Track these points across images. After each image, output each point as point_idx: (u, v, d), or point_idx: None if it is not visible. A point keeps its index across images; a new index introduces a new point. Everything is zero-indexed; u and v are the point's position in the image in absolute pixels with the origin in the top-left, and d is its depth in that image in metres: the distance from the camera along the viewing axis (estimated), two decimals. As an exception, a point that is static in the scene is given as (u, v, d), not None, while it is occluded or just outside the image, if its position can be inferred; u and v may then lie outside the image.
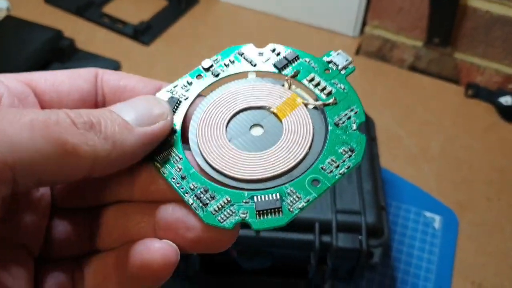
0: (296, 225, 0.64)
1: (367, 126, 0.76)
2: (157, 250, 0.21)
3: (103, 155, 0.20)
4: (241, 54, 0.26)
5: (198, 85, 0.26)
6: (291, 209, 0.22)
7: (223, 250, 0.22)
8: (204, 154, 0.23)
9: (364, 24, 1.04)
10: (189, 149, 0.24)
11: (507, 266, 0.77)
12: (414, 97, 0.99)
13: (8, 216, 0.20)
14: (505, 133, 0.94)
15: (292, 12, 1.10)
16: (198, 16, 1.13)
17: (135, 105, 0.22)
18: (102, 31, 1.07)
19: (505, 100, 0.95)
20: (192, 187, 0.22)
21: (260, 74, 0.26)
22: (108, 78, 0.25)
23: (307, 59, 0.26)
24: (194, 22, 1.12)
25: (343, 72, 0.25)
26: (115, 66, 0.98)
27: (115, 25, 1.08)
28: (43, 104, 0.23)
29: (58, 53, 0.97)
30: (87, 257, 0.24)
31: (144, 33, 1.06)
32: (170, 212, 0.22)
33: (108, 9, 1.12)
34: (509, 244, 0.80)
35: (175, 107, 0.25)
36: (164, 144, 0.23)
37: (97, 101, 0.25)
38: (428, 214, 0.81)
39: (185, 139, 0.24)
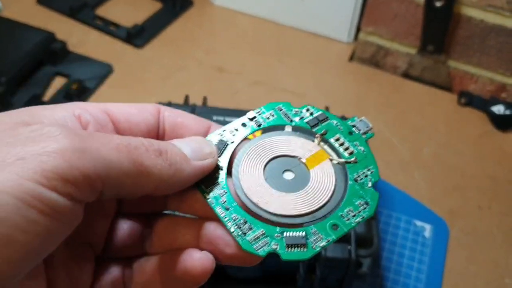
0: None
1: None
2: (197, 260, 0.26)
3: (166, 178, 0.25)
4: (280, 110, 0.31)
5: (243, 132, 0.30)
6: (314, 246, 0.26)
7: (249, 266, 0.26)
8: (244, 188, 0.28)
9: (358, 30, 1.03)
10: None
11: (498, 276, 0.77)
12: (407, 104, 0.99)
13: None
14: (498, 142, 0.94)
15: (287, 17, 1.10)
16: (192, 20, 1.13)
17: (191, 143, 0.27)
18: (95, 33, 1.07)
19: (498, 109, 0.95)
20: (234, 217, 0.27)
21: (295, 129, 0.31)
22: (169, 114, 0.30)
23: (335, 122, 0.31)
24: (188, 26, 1.11)
25: (364, 136, 0.30)
26: (107, 69, 0.98)
27: (108, 27, 1.07)
28: (118, 132, 0.28)
29: (50, 55, 0.97)
30: (137, 258, 0.28)
31: (137, 36, 1.05)
32: (212, 229, 0.27)
33: (102, 11, 1.12)
34: (500, 253, 0.80)
35: (224, 148, 0.29)
36: (212, 179, 0.28)
37: (159, 133, 0.29)
38: (418, 222, 0.81)
39: (229, 174, 0.29)
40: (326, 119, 0.31)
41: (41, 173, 0.20)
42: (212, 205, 0.27)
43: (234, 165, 0.29)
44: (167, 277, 0.26)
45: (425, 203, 0.84)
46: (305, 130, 0.31)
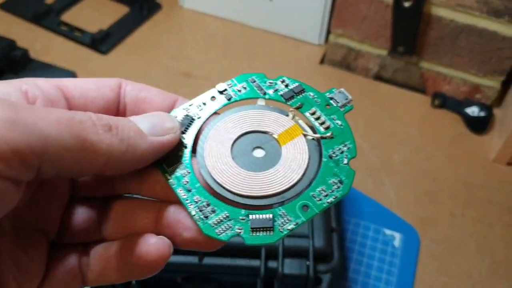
0: (242, 250, 0.61)
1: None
2: (153, 245, 0.24)
3: (117, 155, 0.23)
4: (253, 82, 0.29)
5: (212, 106, 0.28)
6: (281, 230, 0.24)
7: (211, 251, 0.25)
8: (208, 168, 0.26)
9: (328, 32, 1.00)
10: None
11: (469, 286, 0.75)
12: (379, 107, 0.96)
13: (31, 201, 0.23)
14: (472, 145, 0.92)
15: (257, 19, 1.07)
16: (160, 23, 1.10)
17: (150, 118, 0.25)
18: (59, 39, 1.04)
19: (472, 110, 0.93)
20: (196, 199, 0.25)
21: (268, 102, 0.28)
22: (131, 89, 0.27)
23: (312, 94, 0.28)
24: (156, 30, 1.08)
25: (342, 109, 0.28)
26: (70, 76, 0.95)
27: (72, 33, 1.04)
28: (72, 108, 0.26)
29: (11, 63, 0.94)
30: (94, 244, 0.26)
31: (102, 41, 1.02)
32: (172, 213, 0.25)
33: (67, 16, 1.09)
34: (472, 262, 0.77)
35: (189, 124, 0.27)
36: (175, 157, 0.26)
37: (119, 109, 0.27)
38: (388, 231, 0.79)
39: (194, 153, 0.27)
40: (302, 91, 0.28)
41: None
42: (174, 186, 0.25)
43: (199, 142, 0.27)
44: (123, 264, 0.25)
45: (395, 211, 0.81)
46: (279, 104, 0.28)
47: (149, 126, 0.25)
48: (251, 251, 0.61)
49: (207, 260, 0.61)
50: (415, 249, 0.78)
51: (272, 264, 0.61)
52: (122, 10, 1.11)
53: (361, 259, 0.76)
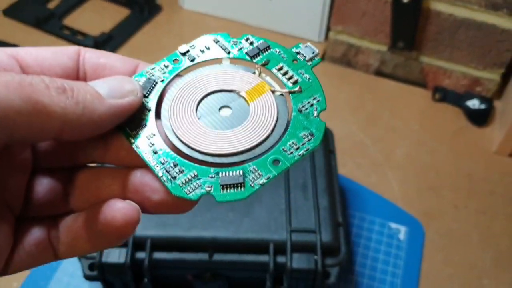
0: (251, 246, 0.62)
1: (325, 138, 0.74)
2: (119, 210, 0.23)
3: (73, 118, 0.22)
4: (217, 42, 0.28)
5: (174, 69, 0.27)
6: (252, 185, 0.24)
7: (183, 213, 0.25)
8: (174, 129, 0.25)
9: (328, 29, 1.01)
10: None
11: (474, 277, 0.76)
12: (380, 103, 0.97)
13: None
14: (473, 137, 0.92)
15: (257, 18, 1.08)
16: (161, 25, 1.11)
17: (109, 82, 0.24)
18: (61, 43, 1.04)
19: (473, 103, 0.94)
20: (162, 161, 0.24)
21: (233, 61, 0.27)
22: (90, 56, 0.26)
23: (278, 50, 0.28)
24: (157, 31, 1.09)
25: (309, 63, 0.27)
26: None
27: (75, 37, 1.05)
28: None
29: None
30: (62, 216, 0.26)
31: (105, 44, 1.03)
32: (138, 177, 0.24)
33: (69, 20, 1.09)
34: (477, 253, 0.78)
35: (152, 87, 0.26)
36: (139, 120, 0.25)
37: (79, 77, 0.26)
38: (393, 225, 0.80)
39: (159, 116, 0.26)
40: (267, 48, 0.28)
41: None
42: (138, 149, 0.25)
43: (163, 104, 0.26)
44: (92, 233, 0.24)
45: (399, 204, 0.82)
46: (244, 62, 0.28)
47: (107, 90, 0.24)
48: (260, 247, 0.62)
49: (217, 257, 0.62)
50: (420, 242, 0.79)
51: (280, 259, 0.62)
52: (123, 12, 1.11)
53: (367, 253, 0.77)
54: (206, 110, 0.26)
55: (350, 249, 0.76)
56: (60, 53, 0.25)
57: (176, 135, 0.25)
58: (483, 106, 0.94)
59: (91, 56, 0.26)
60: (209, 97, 0.26)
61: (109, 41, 1.04)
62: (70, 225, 0.25)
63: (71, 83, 0.22)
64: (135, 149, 0.25)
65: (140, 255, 0.61)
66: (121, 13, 1.11)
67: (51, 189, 0.26)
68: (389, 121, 0.94)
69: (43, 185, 0.26)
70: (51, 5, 1.11)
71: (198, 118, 0.26)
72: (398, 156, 0.89)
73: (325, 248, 0.63)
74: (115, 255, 0.61)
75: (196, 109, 0.26)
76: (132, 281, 0.62)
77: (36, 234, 0.25)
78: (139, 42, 1.06)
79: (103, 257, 0.61)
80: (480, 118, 0.94)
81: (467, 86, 0.96)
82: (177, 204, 0.24)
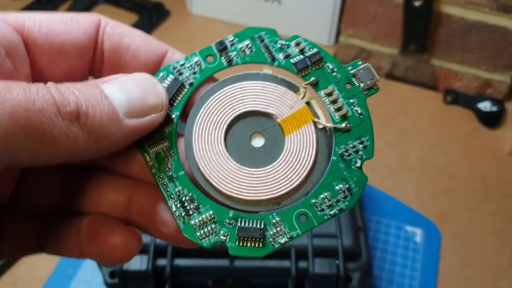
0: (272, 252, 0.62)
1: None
2: (120, 245, 0.21)
3: (83, 148, 0.19)
4: (261, 40, 0.23)
5: (207, 70, 0.23)
6: (272, 243, 0.21)
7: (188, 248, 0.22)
8: (196, 155, 0.22)
9: (338, 33, 1.01)
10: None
11: (492, 279, 0.76)
12: (393, 106, 0.98)
13: None
14: (486, 139, 0.93)
15: (266, 23, 1.08)
16: (170, 30, 1.11)
17: (130, 90, 0.20)
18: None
19: (484, 105, 0.94)
20: (178, 192, 0.21)
21: (276, 70, 0.23)
22: (111, 32, 0.22)
23: (331, 66, 0.23)
24: (165, 36, 1.09)
25: (365, 92, 0.23)
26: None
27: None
28: (33, 59, 0.21)
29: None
30: (55, 215, 0.23)
31: (115, 50, 1.03)
32: (148, 202, 0.22)
33: (77, 26, 1.09)
34: (494, 255, 0.78)
35: (177, 92, 0.23)
36: (158, 135, 0.22)
37: (95, 59, 0.22)
38: (409, 228, 0.80)
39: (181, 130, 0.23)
40: (320, 61, 0.23)
41: None
42: (153, 171, 0.22)
43: (188, 120, 0.22)
44: (85, 247, 0.22)
45: (414, 207, 0.82)
46: (289, 74, 0.23)
47: (127, 104, 0.20)
48: (282, 252, 0.62)
49: (238, 263, 0.62)
50: (436, 244, 0.79)
51: (302, 264, 0.62)
52: (131, 18, 1.11)
53: (385, 256, 0.77)
54: (236, 136, 0.22)
55: (369, 253, 0.76)
56: (76, 27, 0.22)
57: (197, 165, 0.22)
58: (494, 108, 0.94)
59: (112, 34, 0.22)
60: (241, 118, 0.23)
61: (118, 47, 1.04)
62: (61, 227, 0.23)
63: (86, 98, 0.19)
64: (150, 169, 0.22)
65: (161, 262, 0.61)
66: (129, 18, 1.11)
67: (48, 186, 0.24)
68: (401, 124, 0.94)
69: (39, 180, 0.23)
70: (60, 11, 1.11)
71: (226, 146, 0.22)
72: (412, 159, 0.89)
73: (347, 253, 0.63)
74: (137, 263, 0.60)
75: (225, 132, 0.22)
76: (153, 288, 0.62)
77: (24, 230, 0.23)
78: (149, 48, 1.06)
79: (124, 264, 0.61)
80: (492, 120, 0.94)
81: (478, 89, 0.96)
82: (187, 242, 0.22)
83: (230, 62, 0.23)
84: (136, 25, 1.10)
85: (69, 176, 0.24)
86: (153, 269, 0.60)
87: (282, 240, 0.21)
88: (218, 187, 0.21)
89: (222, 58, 0.23)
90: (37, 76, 0.22)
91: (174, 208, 0.21)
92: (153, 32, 1.09)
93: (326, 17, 1.00)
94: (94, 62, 0.23)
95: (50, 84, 0.19)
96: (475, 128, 0.94)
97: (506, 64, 0.92)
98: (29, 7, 1.11)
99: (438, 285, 0.74)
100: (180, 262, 0.61)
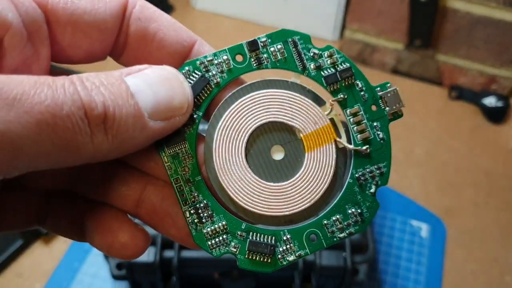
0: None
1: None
2: (130, 245, 0.21)
3: (105, 153, 0.18)
4: (294, 46, 0.23)
5: (235, 70, 0.22)
6: (281, 259, 0.21)
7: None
8: (216, 164, 0.21)
9: (343, 28, 1.01)
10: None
11: (497, 273, 0.76)
12: (397, 101, 0.97)
13: None
14: (490, 135, 0.93)
15: (270, 17, 1.08)
16: (174, 25, 1.11)
17: (157, 89, 0.19)
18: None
19: (489, 101, 0.94)
20: (193, 198, 0.21)
21: (304, 79, 0.23)
22: (138, 16, 0.21)
23: (360, 84, 0.23)
24: (170, 31, 1.09)
25: (390, 117, 0.23)
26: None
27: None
28: (53, 39, 0.20)
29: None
30: (59, 195, 0.23)
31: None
32: (160, 201, 0.22)
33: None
34: (498, 249, 0.78)
35: (203, 90, 0.22)
36: (178, 134, 0.21)
37: (118, 42, 0.21)
38: (414, 222, 0.80)
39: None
40: (350, 77, 0.22)
41: None
42: (170, 172, 0.21)
43: (210, 125, 0.22)
44: (94, 237, 0.22)
45: (420, 202, 0.82)
46: (317, 86, 0.23)
47: (152, 103, 0.19)
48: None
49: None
50: (442, 239, 0.79)
51: (309, 256, 0.62)
52: (136, 13, 1.11)
53: (390, 251, 0.77)
54: (257, 146, 0.22)
55: (375, 246, 0.76)
56: (102, 6, 0.21)
57: (216, 172, 0.22)
58: (499, 104, 0.94)
59: (139, 18, 0.21)
60: (264, 128, 0.22)
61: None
62: (66, 210, 0.23)
63: (114, 97, 0.18)
64: (167, 170, 0.21)
65: (169, 253, 0.61)
66: (134, 13, 1.11)
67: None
68: (406, 119, 0.94)
69: None
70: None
71: (246, 156, 0.22)
72: (417, 154, 0.89)
73: (354, 245, 0.62)
74: (144, 254, 0.60)
75: (246, 141, 0.22)
76: (160, 280, 0.62)
77: (23, 200, 0.22)
78: (153, 42, 1.06)
79: (131, 256, 0.60)
80: (497, 116, 0.94)
81: (483, 84, 0.96)
82: (193, 246, 0.22)
83: (259, 65, 0.22)
84: (141, 20, 1.10)
85: None
86: (160, 260, 0.60)
87: (291, 258, 0.22)
88: (234, 198, 0.22)
89: (252, 59, 0.22)
90: (55, 57, 0.21)
91: (188, 215, 0.21)
92: (157, 26, 1.09)
93: (331, 11, 1.00)
94: (117, 44, 0.22)
95: (75, 79, 0.18)
96: (480, 124, 0.94)
97: (512, 60, 0.92)
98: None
99: (443, 280, 0.74)
100: (187, 254, 0.61)
